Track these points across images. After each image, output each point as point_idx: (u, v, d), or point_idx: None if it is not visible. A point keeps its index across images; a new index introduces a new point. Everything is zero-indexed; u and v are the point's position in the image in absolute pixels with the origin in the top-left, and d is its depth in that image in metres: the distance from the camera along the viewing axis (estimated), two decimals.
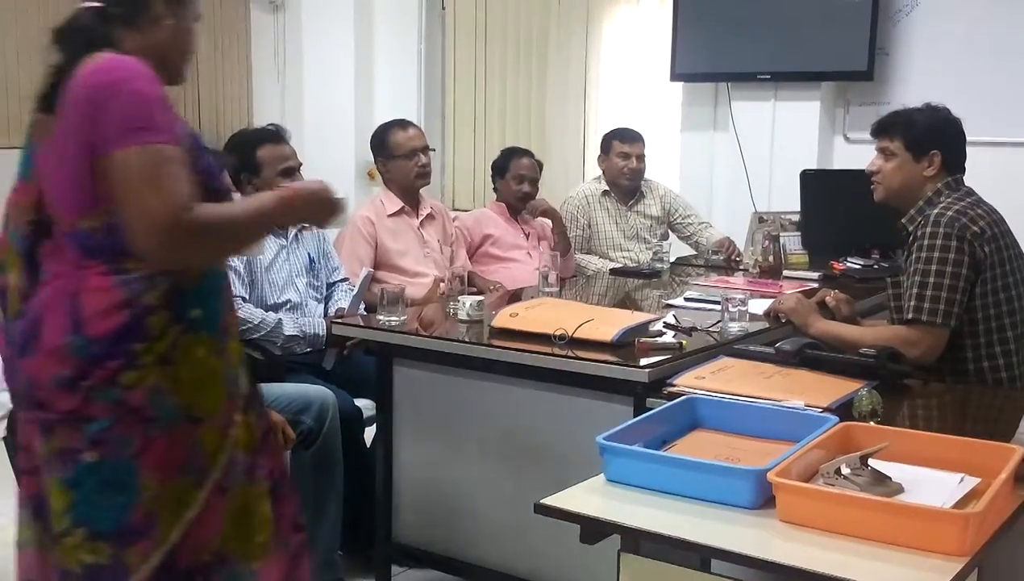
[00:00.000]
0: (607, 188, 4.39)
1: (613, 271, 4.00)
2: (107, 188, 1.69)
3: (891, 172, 2.61)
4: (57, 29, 1.78)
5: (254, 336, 3.03)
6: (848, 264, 3.81)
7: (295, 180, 3.20)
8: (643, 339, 2.53)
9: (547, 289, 3.30)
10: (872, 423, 1.95)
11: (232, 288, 2.91)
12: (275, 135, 3.23)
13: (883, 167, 2.63)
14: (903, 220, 2.62)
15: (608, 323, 2.56)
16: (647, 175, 4.48)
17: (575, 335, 2.50)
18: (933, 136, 2.59)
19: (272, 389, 2.78)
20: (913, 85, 4.58)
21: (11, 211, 1.82)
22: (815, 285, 3.43)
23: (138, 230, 1.68)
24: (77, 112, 1.69)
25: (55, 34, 1.78)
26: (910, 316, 2.45)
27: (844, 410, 2.03)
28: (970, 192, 2.61)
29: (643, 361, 2.37)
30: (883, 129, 2.64)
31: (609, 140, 4.41)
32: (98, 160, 1.68)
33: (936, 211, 2.51)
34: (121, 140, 1.66)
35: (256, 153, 3.15)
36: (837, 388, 2.18)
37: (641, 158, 4.34)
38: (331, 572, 2.83)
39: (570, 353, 2.46)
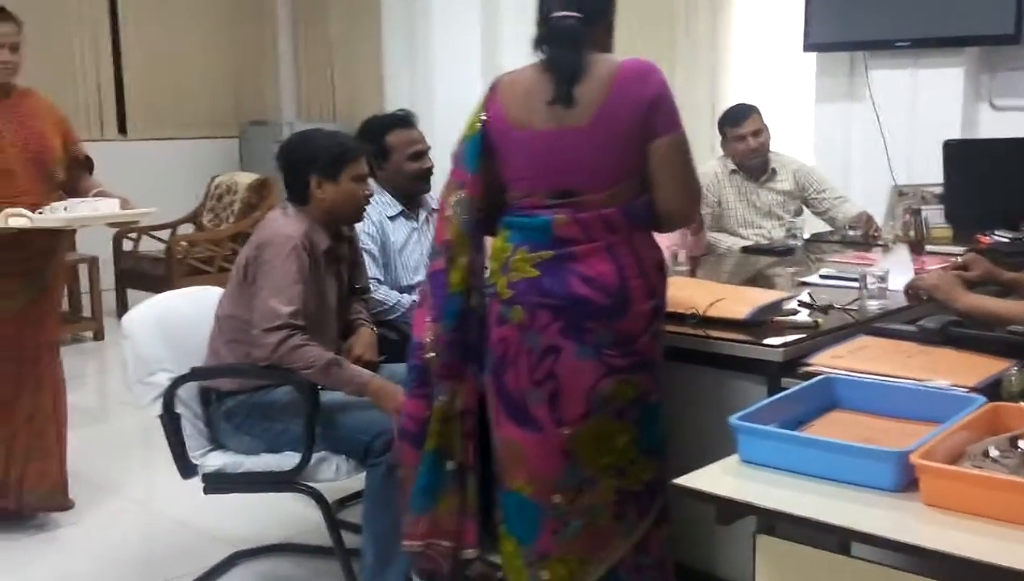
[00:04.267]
0: (735, 167, 4.30)
1: (745, 249, 3.92)
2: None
3: None
4: (549, 35, 2.20)
5: (390, 317, 3.11)
6: (995, 237, 3.64)
7: (423, 163, 3.27)
8: (777, 318, 2.49)
9: (678, 268, 3.27)
10: (1022, 403, 1.87)
11: (368, 270, 3.03)
12: (404, 120, 3.30)
13: None
14: None
15: (741, 301, 2.52)
16: (779, 149, 4.36)
17: (707, 314, 2.47)
18: None
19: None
20: None
21: (459, 197, 2.28)
22: (958, 260, 3.29)
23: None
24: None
25: (551, 36, 2.20)
26: None
27: (992, 390, 1.95)
28: None
29: (777, 340, 2.33)
30: None
31: (721, 127, 4.29)
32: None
33: None
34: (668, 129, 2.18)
35: (386, 138, 3.23)
36: (984, 367, 2.10)
37: (759, 133, 4.20)
38: None
39: (702, 332, 2.43)
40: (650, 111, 2.15)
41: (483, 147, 2.26)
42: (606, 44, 2.26)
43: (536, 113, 2.19)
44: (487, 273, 2.28)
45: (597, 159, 2.17)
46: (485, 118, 2.28)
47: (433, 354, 2.28)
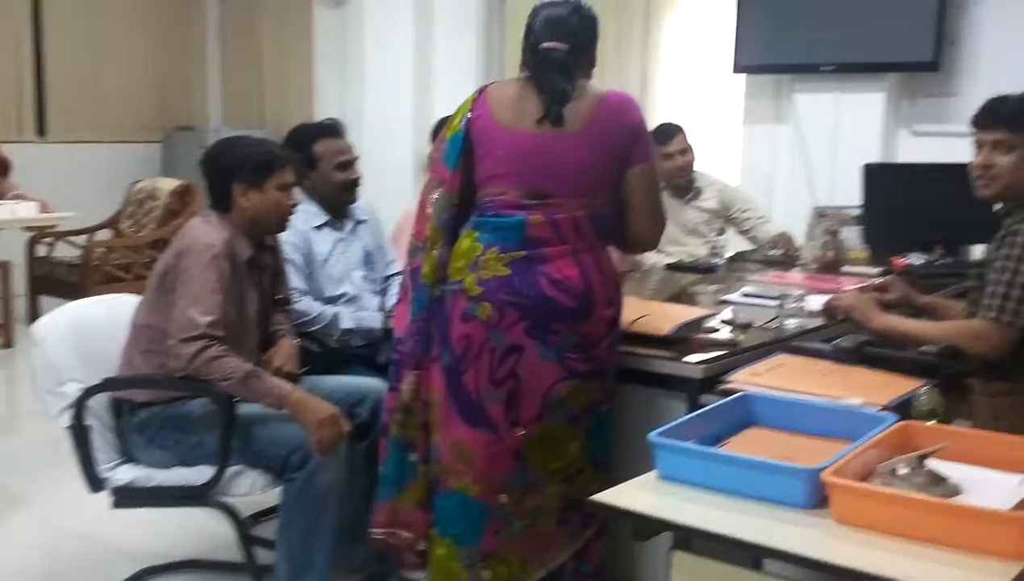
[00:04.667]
0: (662, 185, 4.33)
1: (669, 266, 3.96)
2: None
3: (1012, 167, 2.38)
4: (539, 63, 2.31)
5: (312, 329, 3.07)
6: (910, 260, 3.74)
7: (351, 173, 3.23)
8: (698, 335, 2.51)
9: None
10: (931, 423, 1.91)
11: (290, 281, 2.98)
12: (332, 129, 3.26)
13: (1000, 162, 2.39)
14: (999, 211, 2.50)
15: (664, 318, 2.55)
16: (704, 169, 4.42)
17: (630, 330, 2.48)
18: None
19: (328, 381, 2.82)
20: (981, 76, 4.49)
21: (438, 195, 2.36)
22: (876, 281, 3.37)
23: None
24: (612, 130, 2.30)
25: (541, 64, 2.31)
26: (992, 315, 2.36)
27: (902, 409, 1.99)
28: None
29: (698, 357, 2.36)
30: (1004, 120, 2.40)
31: None
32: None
33: None
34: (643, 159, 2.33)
35: (313, 147, 3.18)
36: (896, 386, 2.14)
37: (685, 151, 4.25)
38: (384, 563, 2.86)
39: (624, 348, 2.44)
40: (631, 139, 2.32)
41: (464, 145, 2.34)
42: (588, 73, 2.40)
43: (523, 120, 2.30)
44: (452, 270, 2.33)
45: (578, 168, 2.29)
46: (470, 116, 2.35)
47: (407, 348, 2.39)
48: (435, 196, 2.39)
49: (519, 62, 2.42)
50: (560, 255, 2.26)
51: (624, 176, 2.34)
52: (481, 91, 2.41)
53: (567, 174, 2.29)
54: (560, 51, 2.31)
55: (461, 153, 2.35)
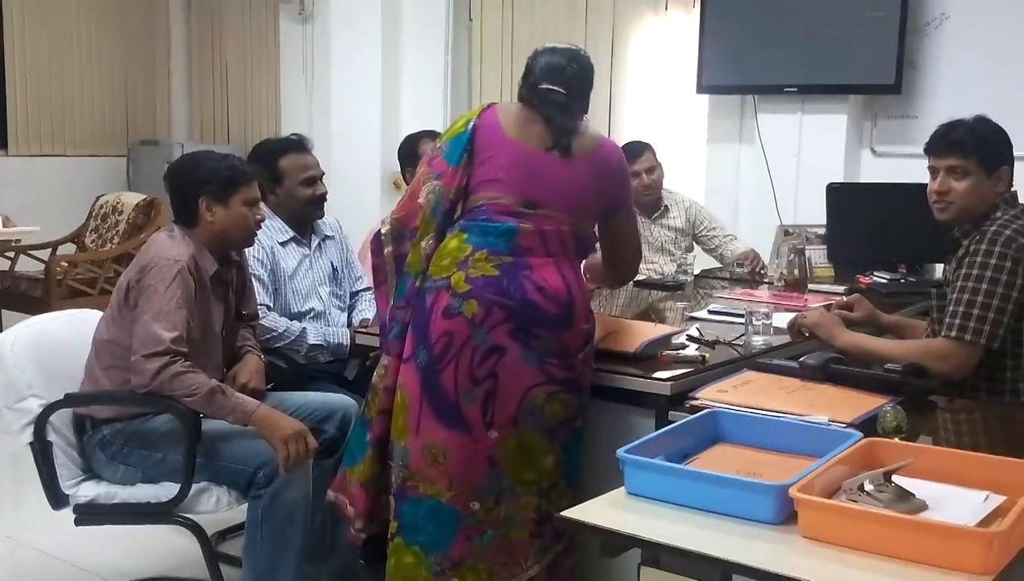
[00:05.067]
0: None
1: (637, 283, 3.97)
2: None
3: (967, 192, 2.46)
4: (540, 101, 2.43)
5: (278, 345, 3.05)
6: (874, 278, 3.78)
7: (317, 189, 3.22)
8: (666, 352, 2.53)
9: None
10: (896, 439, 1.93)
11: (257, 297, 2.97)
12: (298, 144, 3.25)
13: (955, 187, 2.47)
14: (956, 232, 2.54)
15: (631, 335, 2.56)
16: (672, 187, 4.45)
17: (598, 347, 2.49)
18: (1003, 151, 2.50)
19: (295, 397, 2.80)
20: (941, 98, 4.56)
21: (434, 187, 2.39)
22: (841, 299, 3.40)
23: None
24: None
25: (541, 101, 2.43)
26: (953, 334, 2.39)
27: (868, 426, 2.01)
28: None
29: (665, 374, 2.37)
30: (955, 147, 2.47)
31: None
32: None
33: (994, 228, 2.43)
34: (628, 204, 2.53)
35: (279, 162, 3.18)
36: (861, 404, 2.16)
37: (652, 170, 4.28)
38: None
39: (594, 365, 2.45)
40: (618, 183, 2.49)
41: (468, 146, 2.40)
42: (581, 117, 2.51)
43: (530, 138, 2.40)
44: (435, 268, 2.34)
45: (574, 190, 2.39)
46: (476, 123, 2.42)
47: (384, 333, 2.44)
48: (428, 187, 2.42)
49: (518, 95, 2.51)
50: (544, 265, 2.31)
51: (610, 219, 2.50)
52: (489, 106, 2.49)
53: (564, 191, 2.38)
54: (558, 92, 2.44)
55: (464, 152, 2.40)
